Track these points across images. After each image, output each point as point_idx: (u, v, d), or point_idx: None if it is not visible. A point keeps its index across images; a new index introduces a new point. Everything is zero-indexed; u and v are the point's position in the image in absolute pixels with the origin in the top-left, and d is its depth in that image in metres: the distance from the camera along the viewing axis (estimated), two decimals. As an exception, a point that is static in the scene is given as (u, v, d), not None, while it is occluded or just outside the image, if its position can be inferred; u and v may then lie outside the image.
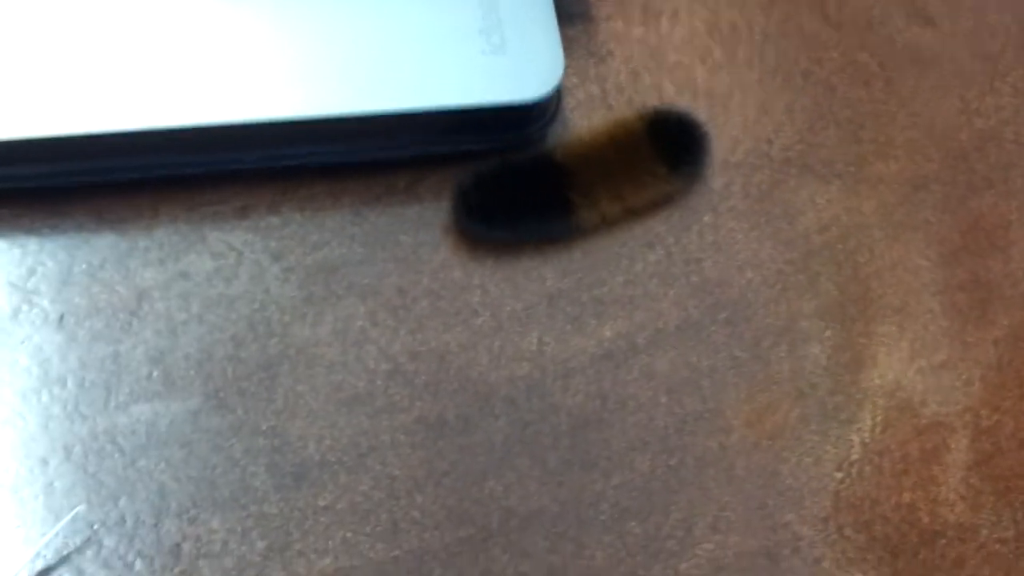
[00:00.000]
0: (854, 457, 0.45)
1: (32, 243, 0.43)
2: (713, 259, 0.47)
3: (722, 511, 0.43)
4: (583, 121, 0.48)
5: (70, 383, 0.41)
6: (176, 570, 0.39)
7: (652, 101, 0.49)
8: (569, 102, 0.48)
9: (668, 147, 0.47)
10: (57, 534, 0.38)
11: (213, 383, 0.42)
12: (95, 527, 0.39)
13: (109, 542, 0.39)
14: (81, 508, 0.39)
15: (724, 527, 0.43)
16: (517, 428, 0.43)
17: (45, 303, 0.42)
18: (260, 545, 0.40)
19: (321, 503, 0.41)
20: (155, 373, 0.42)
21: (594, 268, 0.46)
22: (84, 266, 0.43)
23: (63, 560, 0.39)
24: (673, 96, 0.49)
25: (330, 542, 0.41)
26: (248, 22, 0.44)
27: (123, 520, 0.40)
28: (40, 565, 0.38)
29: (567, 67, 0.46)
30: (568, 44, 0.46)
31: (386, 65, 0.45)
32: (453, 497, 0.42)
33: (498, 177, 0.45)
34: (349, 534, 0.41)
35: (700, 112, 0.49)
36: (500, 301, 0.45)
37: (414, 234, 0.46)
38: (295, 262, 0.44)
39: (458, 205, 0.45)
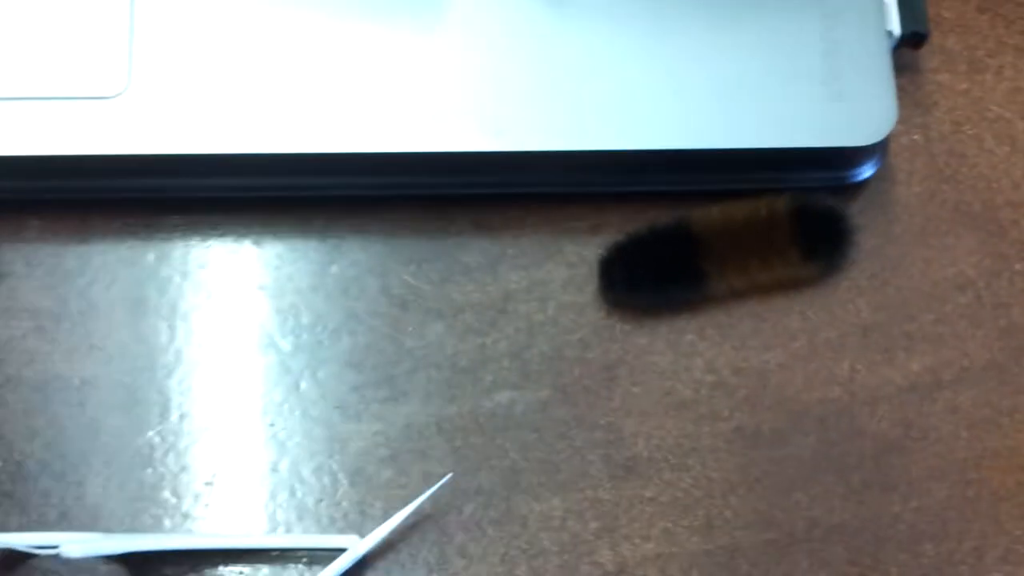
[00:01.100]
0: None
1: (421, 244, 0.48)
2: (1022, 306, 0.49)
3: (1014, 544, 0.46)
4: (904, 166, 0.51)
5: (445, 367, 0.47)
6: (522, 539, 0.45)
7: (971, 151, 0.51)
8: (892, 147, 0.51)
9: (807, 234, 0.48)
10: (429, 497, 0.44)
11: (562, 378, 0.47)
12: (457, 495, 0.45)
13: (468, 509, 0.45)
14: (449, 476, 0.45)
15: (1015, 560, 0.45)
16: (825, 446, 0.47)
17: (428, 297, 0.48)
18: (593, 526, 0.45)
19: (647, 494, 0.46)
20: (514, 365, 0.47)
21: (906, 305, 0.49)
22: (461, 267, 0.48)
23: (431, 520, 0.44)
24: (992, 147, 0.51)
25: (652, 530, 0.45)
26: (615, 54, 0.49)
27: (481, 491, 0.45)
28: (412, 521, 0.44)
29: (894, 115, 0.48)
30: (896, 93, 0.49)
31: (737, 104, 0.48)
32: (763, 502, 0.46)
33: (639, 246, 0.48)
34: (669, 524, 0.45)
35: (1016, 167, 0.51)
36: (817, 328, 0.48)
37: (741, 259, 0.50)
38: (640, 278, 0.49)
39: (603, 272, 0.48)
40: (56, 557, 0.41)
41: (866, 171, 0.50)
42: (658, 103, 0.48)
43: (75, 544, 0.41)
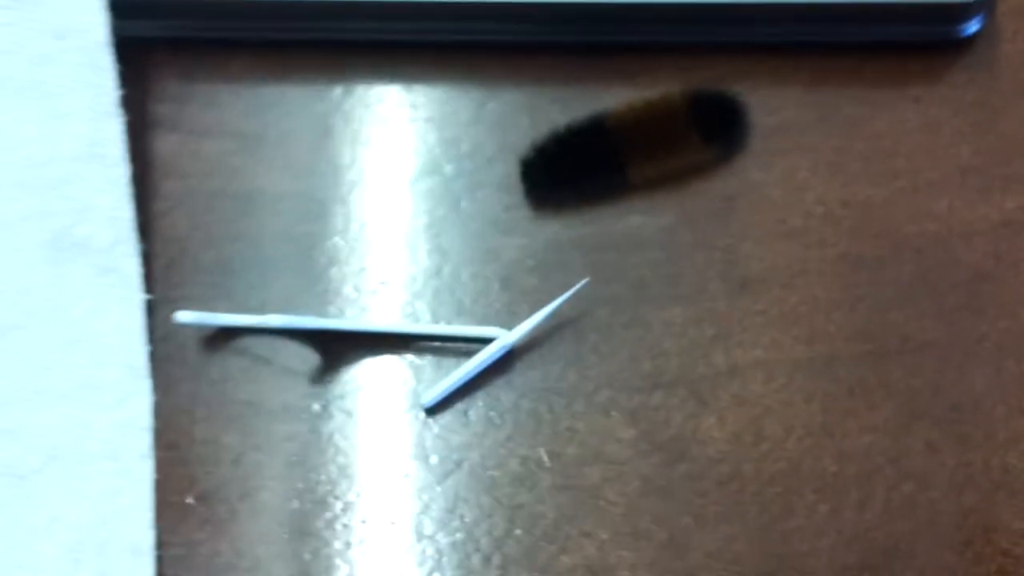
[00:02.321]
0: None
1: (566, 87, 0.53)
2: (1113, 154, 0.52)
3: (1087, 361, 0.50)
4: (1010, 24, 0.54)
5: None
6: (647, 341, 0.50)
7: (1078, 13, 0.54)
8: (1000, 7, 0.54)
9: (703, 120, 0.51)
10: (568, 301, 0.49)
11: (685, 207, 0.52)
12: (592, 302, 0.50)
13: (601, 313, 0.50)
14: (586, 281, 0.50)
15: (1087, 374, 0.49)
16: (921, 272, 0.51)
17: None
18: (709, 332, 0.50)
19: (758, 308, 0.50)
20: (644, 194, 0.52)
21: (1004, 151, 0.52)
22: (600, 107, 0.52)
23: (569, 322, 0.50)
24: (1099, 10, 0.54)
25: (761, 338, 0.50)
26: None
27: (612, 299, 0.50)
28: (553, 322, 0.50)
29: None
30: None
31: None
32: (862, 319, 0.50)
33: (557, 144, 0.51)
34: (776, 334, 0.50)
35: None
36: (920, 169, 0.52)
37: (854, 107, 0.53)
38: (758, 120, 0.53)
39: (524, 174, 0.51)
40: (261, 330, 0.48)
41: (972, 27, 0.53)
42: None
43: (277, 317, 0.48)
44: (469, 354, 0.49)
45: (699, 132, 0.51)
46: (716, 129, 0.52)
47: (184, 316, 0.49)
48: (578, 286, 0.49)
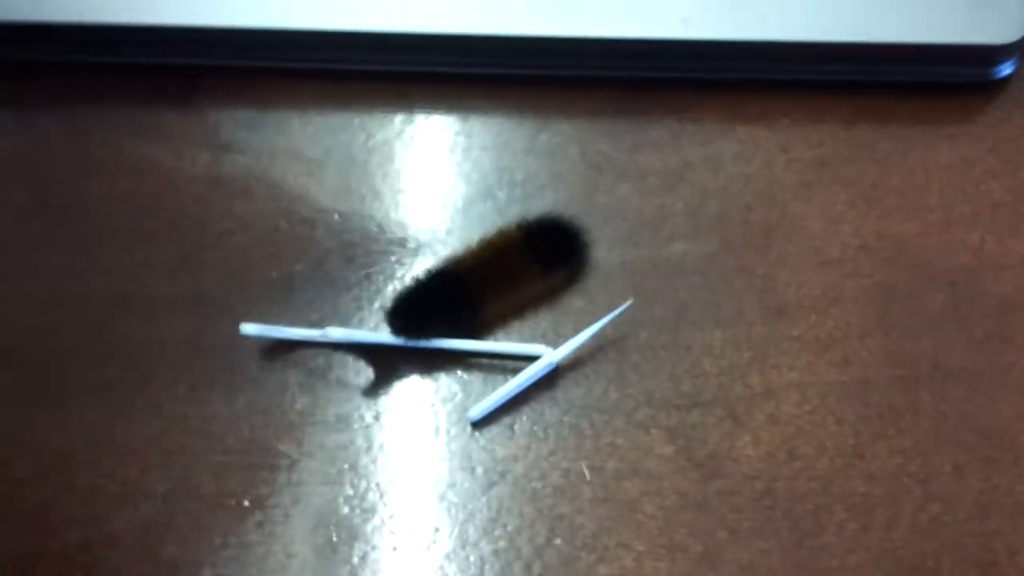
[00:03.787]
0: None
1: (615, 120, 0.55)
2: None
3: (1114, 392, 0.49)
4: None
5: (631, 220, 0.53)
6: (687, 362, 0.50)
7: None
8: (1033, 52, 0.54)
9: (543, 252, 0.51)
10: (611, 323, 0.50)
11: (727, 235, 0.52)
12: (635, 324, 0.51)
13: (643, 335, 0.51)
14: (630, 303, 0.50)
15: (1113, 404, 0.49)
16: (953, 302, 0.51)
17: (619, 164, 0.54)
18: (746, 355, 0.50)
19: (794, 333, 0.51)
20: (688, 222, 0.53)
21: (1036, 188, 0.52)
22: (648, 140, 0.54)
23: (612, 343, 0.51)
24: None
25: (797, 362, 0.50)
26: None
27: (654, 321, 0.51)
28: (596, 343, 0.50)
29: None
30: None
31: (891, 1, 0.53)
32: (894, 345, 0.50)
33: (417, 291, 0.50)
34: (811, 358, 0.50)
35: None
36: (952, 203, 0.52)
37: (891, 143, 0.54)
38: (797, 155, 0.54)
39: (390, 322, 0.50)
40: (320, 340, 0.50)
41: (1005, 69, 0.53)
42: (817, 1, 0.53)
43: (336, 331, 0.49)
44: (516, 371, 0.50)
45: (539, 263, 0.51)
46: (554, 258, 0.52)
47: (248, 328, 0.50)
48: (623, 307, 0.50)
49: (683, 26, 0.53)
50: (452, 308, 0.50)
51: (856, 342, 0.50)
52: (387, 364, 0.50)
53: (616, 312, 0.50)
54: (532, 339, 0.51)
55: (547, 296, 0.52)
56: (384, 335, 0.50)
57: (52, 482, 0.48)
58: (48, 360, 0.50)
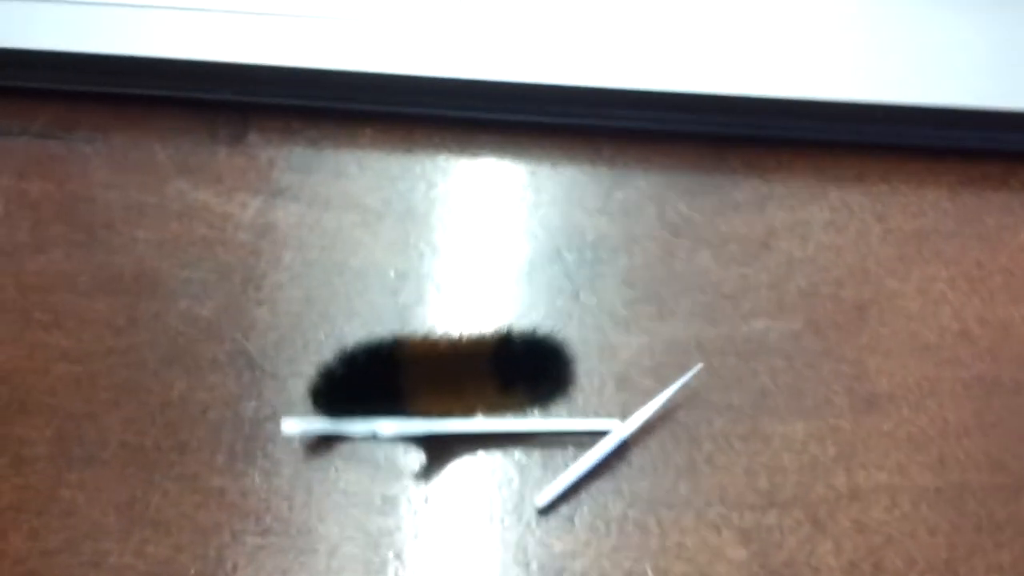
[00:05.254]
0: None
1: (697, 178, 0.49)
2: None
3: None
4: None
5: (709, 292, 0.47)
6: (765, 456, 0.45)
7: None
8: None
9: (506, 369, 0.45)
10: (682, 403, 0.45)
11: (815, 312, 0.47)
12: (709, 409, 0.45)
13: (718, 423, 0.45)
14: (700, 366, 0.45)
15: None
16: (1063, 402, 0.45)
17: (699, 227, 0.48)
18: (831, 451, 0.45)
19: (885, 428, 0.45)
20: (772, 296, 0.47)
21: None
22: (731, 202, 0.48)
23: (684, 428, 0.45)
24: None
25: (887, 461, 0.45)
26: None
27: (731, 407, 0.45)
28: (665, 429, 0.45)
29: None
30: None
31: (1003, 66, 0.47)
32: (996, 447, 0.45)
33: (345, 370, 0.45)
34: (903, 458, 0.45)
35: None
36: (1068, 290, 0.46)
37: (999, 217, 0.48)
38: (895, 225, 0.48)
39: (312, 399, 0.45)
40: (372, 438, 0.44)
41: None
42: (925, 62, 0.47)
43: (389, 424, 0.44)
44: (577, 454, 0.44)
45: (501, 378, 0.45)
46: (519, 379, 0.45)
47: (290, 427, 0.45)
48: (693, 371, 0.45)
49: (773, 82, 0.47)
50: (377, 396, 0.45)
51: (953, 442, 0.45)
52: (439, 444, 0.45)
53: (686, 376, 0.45)
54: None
55: (505, 409, 0.45)
56: (441, 424, 0.45)
57: (81, 557, 0.43)
58: (84, 416, 0.46)
